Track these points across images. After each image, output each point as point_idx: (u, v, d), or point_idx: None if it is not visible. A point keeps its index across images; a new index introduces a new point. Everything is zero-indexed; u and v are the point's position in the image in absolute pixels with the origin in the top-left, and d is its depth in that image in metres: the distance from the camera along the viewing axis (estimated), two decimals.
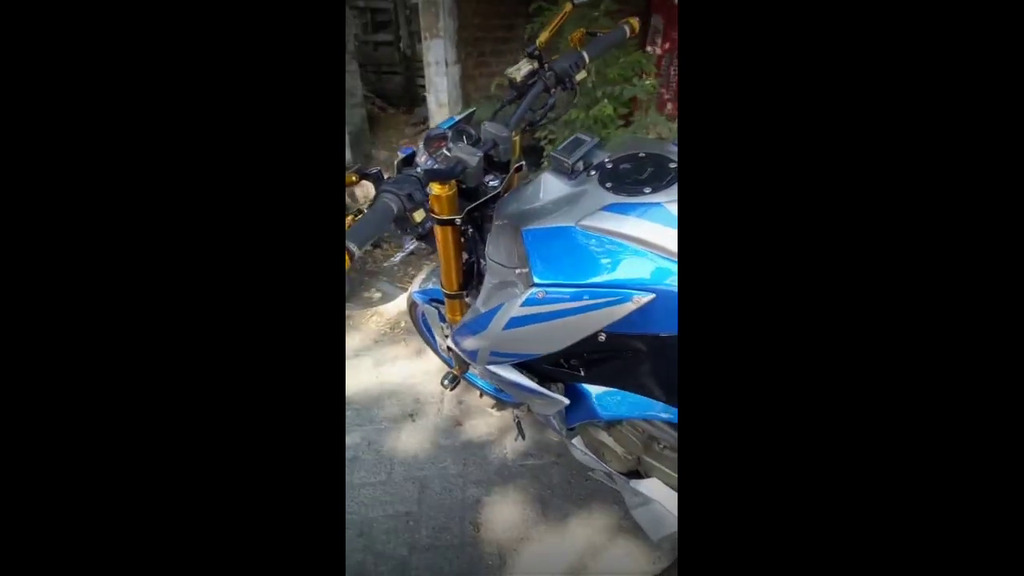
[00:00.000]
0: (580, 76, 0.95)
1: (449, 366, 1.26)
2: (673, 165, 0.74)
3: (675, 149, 0.79)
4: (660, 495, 0.96)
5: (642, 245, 0.66)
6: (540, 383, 0.83)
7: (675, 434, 0.83)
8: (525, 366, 0.84)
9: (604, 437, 0.98)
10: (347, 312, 2.01)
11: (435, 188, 0.81)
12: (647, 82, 2.18)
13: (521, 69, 0.95)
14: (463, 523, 1.23)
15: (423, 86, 3.36)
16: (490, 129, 0.88)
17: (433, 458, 1.39)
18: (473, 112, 1.02)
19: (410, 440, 1.45)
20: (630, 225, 0.67)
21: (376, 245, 2.40)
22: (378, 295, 2.13)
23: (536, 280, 0.69)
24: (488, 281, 0.84)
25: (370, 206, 0.65)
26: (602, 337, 0.72)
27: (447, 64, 3.01)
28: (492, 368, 0.84)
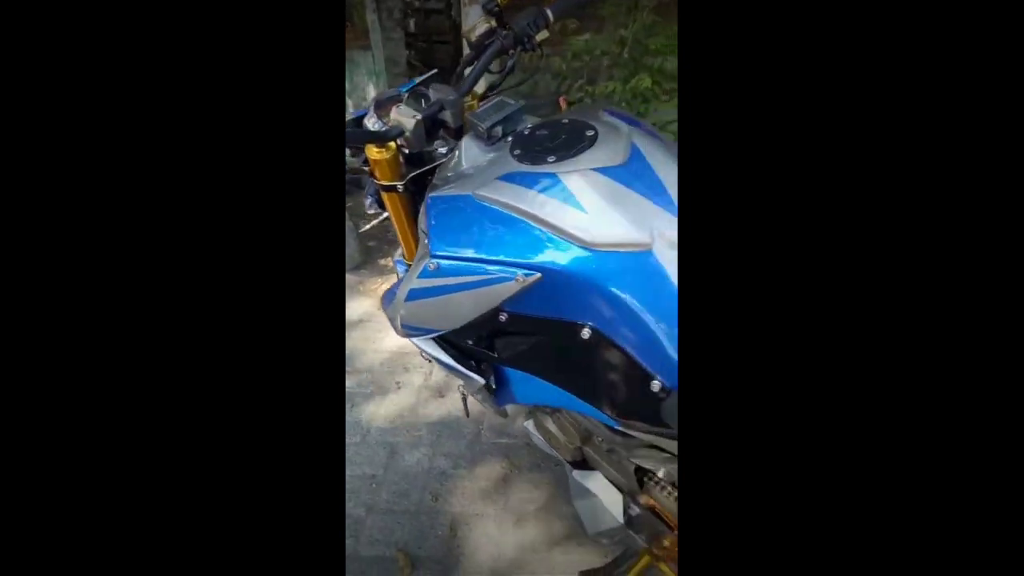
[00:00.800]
0: (541, 36, 0.86)
1: None
2: (591, 133, 0.65)
3: (610, 116, 0.70)
4: (600, 489, 0.90)
5: (532, 220, 0.59)
6: (463, 360, 0.79)
7: (608, 432, 0.76)
8: (448, 341, 0.80)
9: (549, 423, 0.93)
10: (359, 278, 2.07)
11: (371, 152, 0.78)
12: None
13: (477, 28, 0.88)
14: (424, 492, 1.23)
15: None
16: (437, 92, 0.82)
17: (409, 426, 1.41)
18: (435, 74, 0.97)
19: (391, 406, 1.47)
20: (523, 197, 0.60)
21: None
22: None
23: (431, 251, 0.64)
24: (419, 251, 0.81)
25: None
26: (503, 316, 0.66)
27: None
28: (413, 340, 0.81)
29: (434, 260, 0.64)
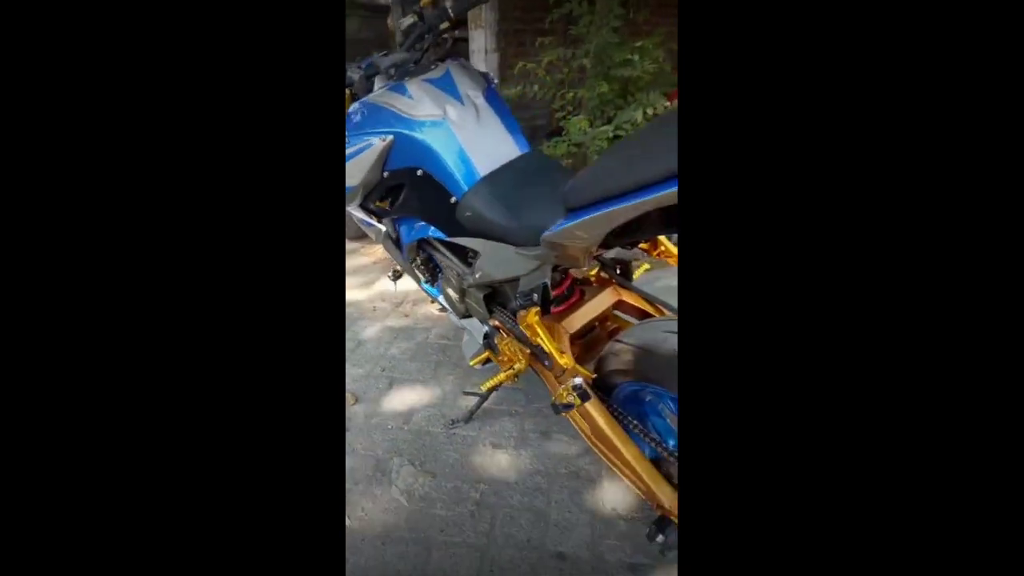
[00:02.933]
0: (444, 26, 1.32)
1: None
2: (435, 67, 1.08)
3: (453, 61, 1.13)
4: (473, 327, 1.27)
5: (387, 106, 1.02)
6: (374, 219, 1.21)
7: (455, 262, 1.12)
8: (365, 208, 1.22)
9: (449, 290, 1.32)
10: (361, 244, 2.54)
11: None
12: (648, 66, 2.41)
13: (405, 22, 1.35)
14: (375, 365, 1.63)
15: None
16: (379, 60, 1.29)
17: (377, 331, 1.82)
18: (385, 53, 1.44)
19: (368, 322, 1.90)
20: (385, 95, 1.04)
21: None
22: None
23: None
24: None
25: None
26: (385, 175, 1.08)
27: (486, 52, 3.46)
28: (349, 209, 1.24)
29: (355, 134, 1.07)
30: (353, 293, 2.10)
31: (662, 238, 1.00)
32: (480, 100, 1.03)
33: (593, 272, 1.16)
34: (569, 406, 0.88)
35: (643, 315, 1.04)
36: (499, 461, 1.27)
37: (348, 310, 1.97)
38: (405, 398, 1.51)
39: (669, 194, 0.53)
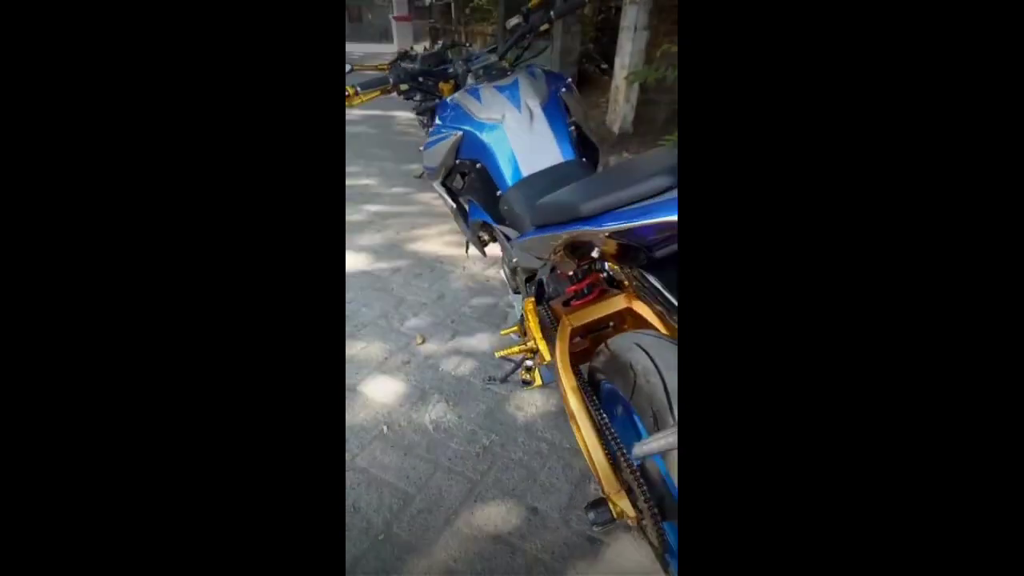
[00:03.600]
0: (544, 27, 1.44)
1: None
2: (510, 75, 1.22)
3: (529, 69, 1.25)
4: (516, 302, 1.45)
5: (462, 107, 1.20)
6: (451, 197, 1.43)
7: (505, 245, 1.31)
8: (444, 186, 1.44)
9: (504, 267, 1.51)
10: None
11: (443, 88, 1.48)
12: None
13: (512, 21, 1.50)
14: (430, 291, 1.91)
15: None
16: (480, 56, 1.48)
17: (456, 293, 2.10)
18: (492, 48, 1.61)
19: (456, 282, 2.18)
20: (463, 97, 1.21)
21: None
22: None
23: (435, 122, 1.30)
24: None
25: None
26: (457, 161, 1.28)
27: (636, 29, 3.38)
28: (432, 184, 1.48)
29: (435, 126, 1.29)
30: (450, 250, 2.40)
31: None
32: (537, 109, 1.16)
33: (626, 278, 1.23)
34: (528, 382, 1.04)
35: (649, 325, 1.11)
36: (515, 421, 1.46)
37: (442, 264, 2.28)
38: (461, 349, 1.76)
39: (584, 231, 0.63)
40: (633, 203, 0.67)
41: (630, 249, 0.75)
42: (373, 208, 2.93)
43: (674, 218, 0.70)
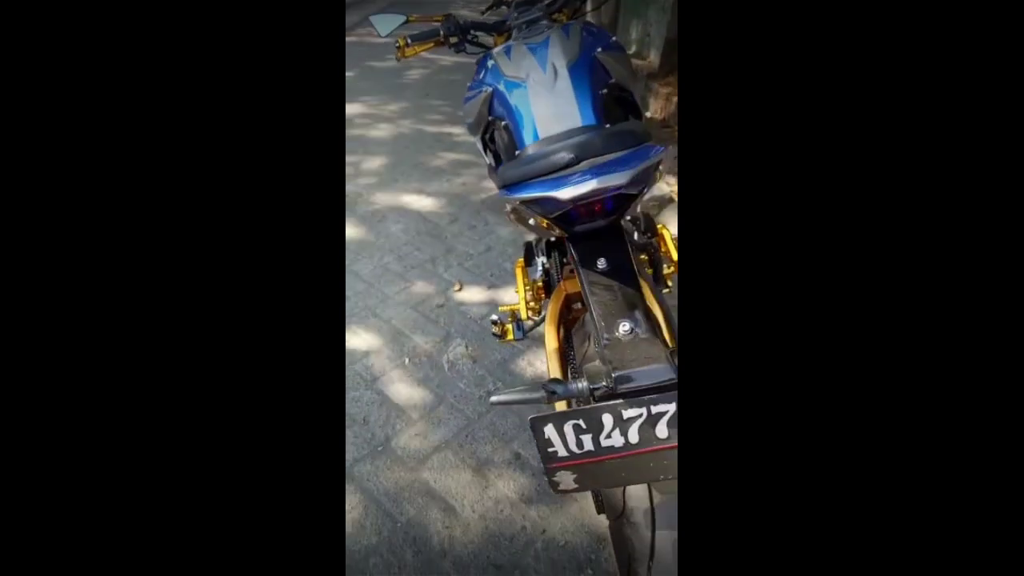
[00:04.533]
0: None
1: None
2: (543, 31, 1.20)
3: (570, 25, 1.22)
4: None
5: (496, 63, 1.21)
6: (485, 148, 1.48)
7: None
8: (481, 140, 1.49)
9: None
10: None
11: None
12: None
13: None
14: (465, 276, 2.00)
15: None
16: (529, 10, 1.47)
17: (501, 248, 2.17)
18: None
19: (505, 237, 2.25)
20: (499, 53, 1.22)
21: None
22: None
23: (474, 77, 1.34)
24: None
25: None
26: (490, 117, 1.32)
27: None
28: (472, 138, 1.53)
29: (475, 82, 1.33)
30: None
31: (666, 235, 1.05)
32: (563, 69, 1.14)
33: None
34: (498, 335, 1.20)
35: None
36: (523, 373, 1.54)
37: (497, 218, 2.35)
38: (493, 300, 1.85)
39: (506, 198, 0.65)
40: (541, 176, 0.70)
41: (559, 220, 0.78)
42: (451, 156, 3.05)
43: (561, 195, 0.74)
